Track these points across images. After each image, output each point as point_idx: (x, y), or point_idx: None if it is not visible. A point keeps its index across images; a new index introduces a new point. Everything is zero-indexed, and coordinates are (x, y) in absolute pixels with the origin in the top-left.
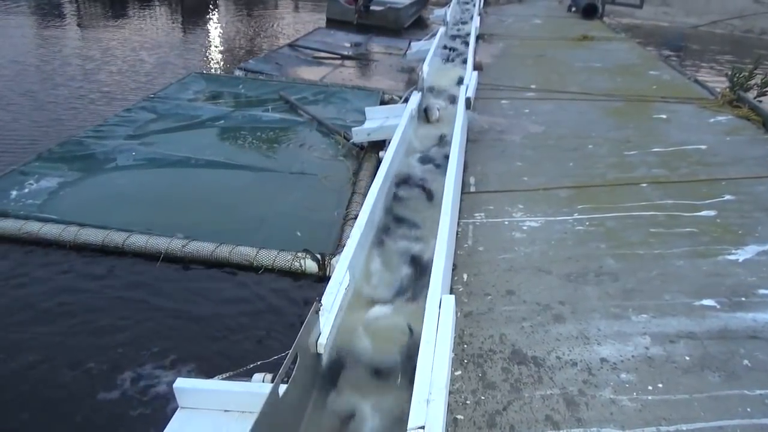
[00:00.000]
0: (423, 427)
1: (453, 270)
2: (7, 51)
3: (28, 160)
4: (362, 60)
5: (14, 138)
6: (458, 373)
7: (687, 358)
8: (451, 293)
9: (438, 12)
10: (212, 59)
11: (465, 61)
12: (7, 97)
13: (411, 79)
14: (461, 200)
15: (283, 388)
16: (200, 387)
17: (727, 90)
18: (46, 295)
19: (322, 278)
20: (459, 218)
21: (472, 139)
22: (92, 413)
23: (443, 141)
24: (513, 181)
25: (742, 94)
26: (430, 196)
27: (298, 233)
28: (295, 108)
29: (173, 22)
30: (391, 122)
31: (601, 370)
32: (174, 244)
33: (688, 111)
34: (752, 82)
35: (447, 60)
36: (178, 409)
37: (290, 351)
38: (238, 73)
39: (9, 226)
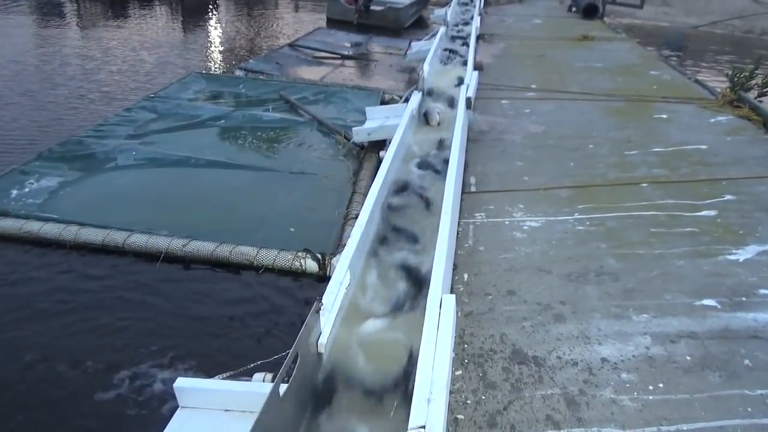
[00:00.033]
0: (424, 427)
1: (453, 270)
2: (7, 50)
3: (28, 159)
4: (362, 60)
5: (14, 138)
6: (459, 372)
7: (688, 357)
8: (451, 293)
9: (438, 12)
10: (212, 59)
11: (464, 63)
12: (6, 96)
13: (411, 79)
14: (462, 200)
15: (283, 388)
16: (201, 386)
17: (728, 90)
18: (46, 295)
19: (323, 278)
20: (459, 218)
21: (472, 139)
22: (92, 413)
23: (443, 145)
24: (513, 181)
25: (743, 95)
26: (429, 205)
27: (292, 229)
28: (295, 108)
29: (173, 22)
30: (391, 122)
31: (601, 369)
32: (174, 244)
33: (689, 111)
34: (753, 82)
35: (446, 61)
36: (179, 408)
37: (291, 350)
38: (238, 72)
39: (9, 225)
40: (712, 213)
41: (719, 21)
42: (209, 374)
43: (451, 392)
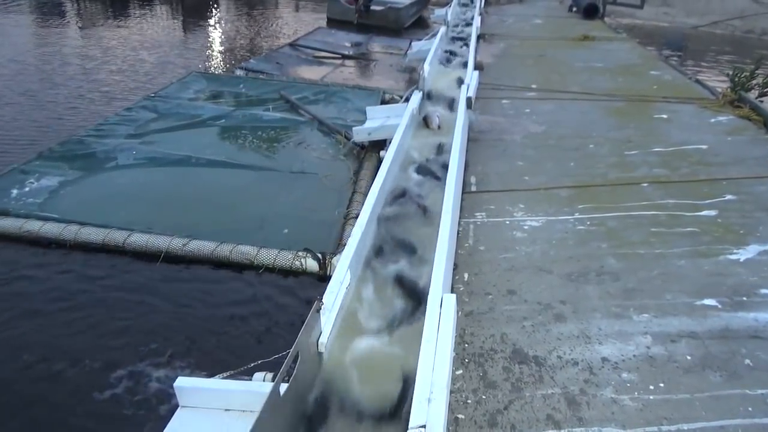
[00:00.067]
0: (424, 426)
1: (454, 269)
2: (7, 50)
3: (28, 159)
4: (363, 60)
5: (14, 137)
6: (459, 372)
7: (688, 357)
8: (452, 292)
9: (439, 12)
10: (213, 58)
11: (464, 65)
12: (6, 96)
13: (412, 78)
14: (462, 200)
15: (284, 387)
16: (201, 386)
17: (728, 90)
18: (46, 294)
19: (323, 277)
20: (460, 218)
21: (473, 139)
22: (92, 412)
23: (442, 149)
24: (514, 181)
25: (743, 95)
26: (426, 213)
27: (285, 230)
28: (295, 107)
29: (173, 22)
30: (391, 122)
31: (602, 369)
32: (174, 243)
33: (689, 111)
34: (753, 82)
35: (446, 63)
36: (179, 408)
37: (291, 350)
38: (238, 72)
39: (9, 224)
40: (713, 213)
41: (720, 21)
42: (209, 374)
43: (451, 392)
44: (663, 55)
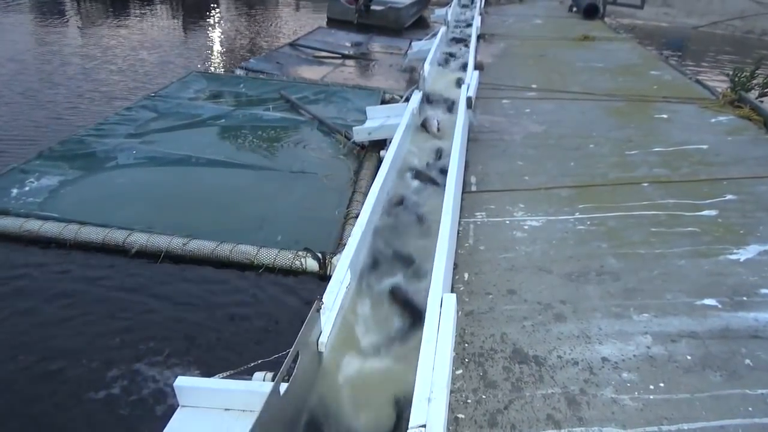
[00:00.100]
0: (424, 426)
1: (454, 269)
2: (6, 50)
3: (28, 158)
4: (363, 59)
5: (13, 137)
6: (459, 372)
7: (688, 357)
8: (452, 292)
9: (439, 12)
10: (213, 58)
11: (463, 66)
12: (6, 96)
13: (412, 78)
14: (462, 199)
15: (284, 387)
16: (201, 385)
17: (729, 90)
18: (45, 293)
19: (323, 277)
20: (460, 217)
21: (473, 139)
22: (91, 411)
23: (441, 154)
24: (514, 181)
25: (744, 95)
26: (424, 223)
27: (279, 238)
28: (295, 107)
29: (174, 21)
30: (392, 121)
31: (602, 369)
32: (174, 243)
33: (690, 111)
34: (754, 82)
35: (446, 65)
36: (179, 407)
37: (291, 349)
38: (238, 72)
39: (9, 224)
40: (713, 213)
41: (720, 21)
42: (209, 373)
43: (451, 391)
44: (663, 55)
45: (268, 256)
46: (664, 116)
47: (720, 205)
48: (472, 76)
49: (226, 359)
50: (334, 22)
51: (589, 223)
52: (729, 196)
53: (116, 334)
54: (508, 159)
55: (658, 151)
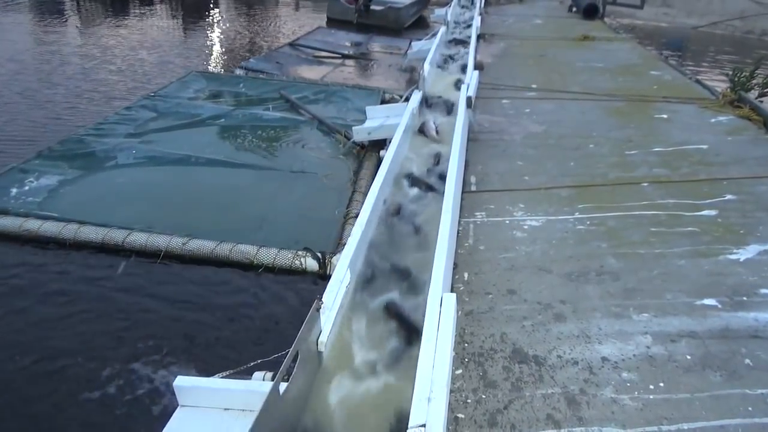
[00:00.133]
0: (424, 425)
1: (454, 269)
2: (5, 49)
3: (28, 157)
4: (363, 59)
5: (12, 137)
6: (459, 371)
7: (688, 357)
8: (451, 292)
9: (439, 12)
10: (212, 58)
11: (463, 68)
12: (5, 96)
13: (412, 78)
14: (462, 199)
15: (283, 387)
16: (200, 385)
17: (729, 90)
18: (45, 293)
19: (323, 276)
20: (460, 217)
21: (473, 139)
22: (90, 411)
23: (440, 159)
24: (514, 181)
25: (744, 95)
26: (420, 233)
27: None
28: (295, 107)
29: (173, 21)
30: (391, 121)
31: (602, 369)
32: (174, 242)
33: (690, 111)
34: (753, 82)
35: (445, 67)
36: (178, 407)
37: (291, 349)
38: (238, 71)
39: (9, 223)
40: (713, 213)
41: (720, 21)
42: (209, 373)
43: (451, 391)
44: (663, 56)
45: (267, 255)
46: (664, 116)
47: (720, 205)
48: (471, 76)
49: (226, 358)
50: (333, 22)
51: (588, 223)
52: (729, 196)
53: (115, 334)
54: (508, 159)
55: (658, 151)
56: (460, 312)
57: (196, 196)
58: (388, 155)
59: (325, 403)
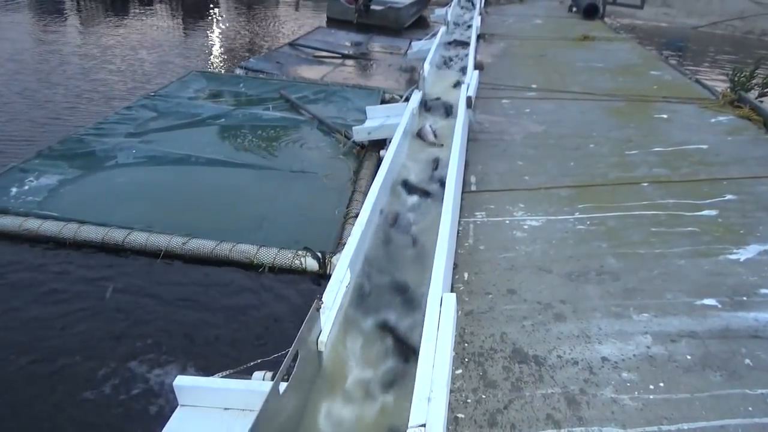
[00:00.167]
0: (424, 425)
1: (454, 269)
2: (5, 49)
3: (28, 157)
4: (363, 59)
5: (12, 137)
6: (459, 371)
7: (688, 357)
8: (452, 292)
9: (439, 12)
10: (212, 58)
11: (463, 70)
12: (4, 95)
13: (412, 78)
14: (462, 199)
15: (283, 386)
16: (200, 385)
17: (729, 90)
18: (45, 293)
19: (323, 276)
20: (460, 217)
21: (473, 139)
22: (90, 410)
23: (438, 164)
24: (514, 180)
25: (743, 95)
26: (417, 245)
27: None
28: (295, 107)
29: (173, 21)
30: (391, 121)
31: (602, 369)
32: (174, 242)
33: (690, 111)
34: (753, 82)
35: (444, 68)
36: (178, 406)
37: (291, 349)
38: (238, 71)
39: (9, 223)
40: (713, 213)
41: (720, 22)
42: (209, 372)
43: (451, 391)
44: (663, 56)
45: (267, 255)
46: (664, 116)
47: (720, 205)
48: (472, 76)
49: (226, 357)
50: (333, 22)
51: (588, 222)
52: (729, 196)
53: (114, 333)
54: (508, 159)
55: (658, 151)
56: (460, 312)
57: (196, 196)
58: (388, 155)
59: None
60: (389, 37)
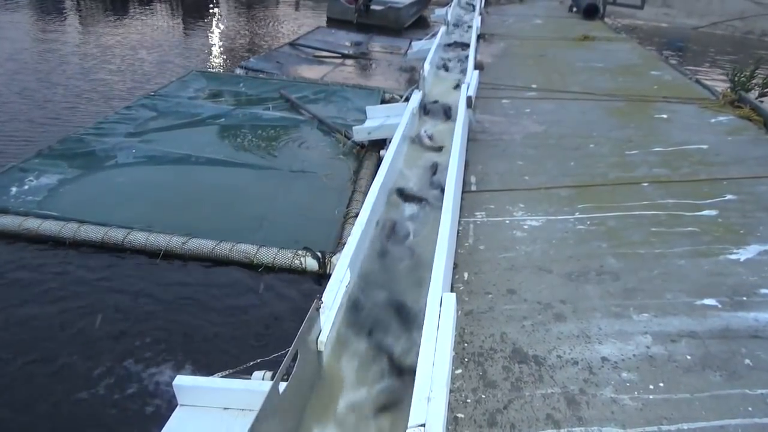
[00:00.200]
0: (423, 425)
1: (454, 269)
2: (4, 48)
3: (27, 156)
4: (363, 59)
5: (11, 136)
6: (459, 371)
7: (688, 357)
8: (451, 291)
9: (439, 12)
10: (212, 58)
11: (462, 72)
12: (4, 95)
13: (412, 78)
14: (462, 199)
15: (283, 386)
16: (200, 384)
17: (729, 90)
18: (44, 292)
19: (323, 276)
20: (460, 217)
21: (473, 139)
22: (89, 410)
23: (437, 169)
24: (514, 180)
25: (744, 95)
26: (414, 256)
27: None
28: (295, 106)
29: (173, 20)
30: (391, 121)
31: (602, 369)
32: (174, 242)
33: (690, 111)
34: (753, 82)
35: (444, 70)
36: (178, 406)
37: (290, 348)
38: (238, 71)
39: (8, 222)
40: (713, 213)
41: (720, 22)
42: (208, 372)
43: (451, 391)
44: (663, 56)
45: (267, 255)
46: (664, 116)
47: (720, 205)
48: (472, 76)
49: (225, 358)
50: (333, 22)
51: (588, 222)
52: (729, 196)
53: (115, 333)
54: (508, 159)
55: (658, 151)
56: (459, 312)
57: (196, 196)
58: (388, 155)
59: None
60: (389, 37)
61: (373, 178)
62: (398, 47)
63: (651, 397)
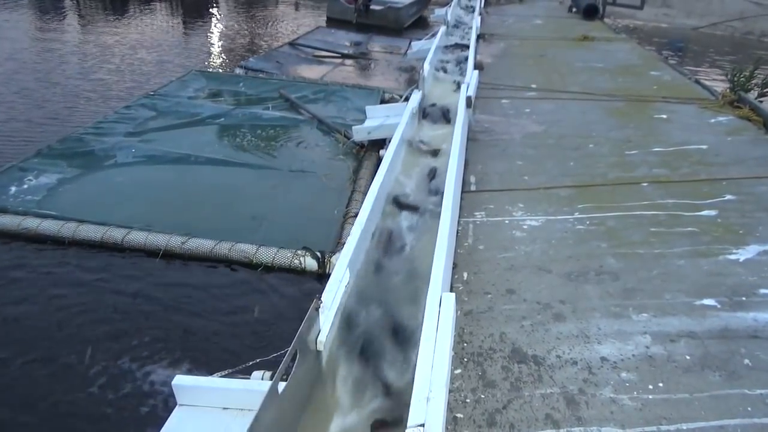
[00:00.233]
0: (423, 425)
1: (453, 268)
2: (4, 48)
3: (27, 156)
4: (362, 59)
5: (10, 136)
6: (458, 371)
7: (688, 357)
8: (451, 291)
9: (439, 12)
10: (212, 57)
11: (462, 72)
12: (3, 95)
13: (411, 78)
14: (462, 199)
15: (282, 386)
16: (199, 384)
17: (728, 90)
18: (44, 291)
19: (322, 276)
20: (459, 217)
21: (472, 138)
22: (89, 409)
23: (435, 174)
24: (513, 180)
25: (743, 95)
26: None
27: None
28: (295, 106)
29: (173, 20)
30: (391, 121)
31: (601, 369)
32: (173, 241)
33: (689, 111)
34: (753, 82)
35: (443, 72)
36: (177, 406)
37: (290, 348)
38: (238, 71)
39: (8, 221)
40: (713, 213)
41: (719, 22)
42: (208, 372)
43: (450, 391)
44: (663, 56)
45: (267, 254)
46: (664, 116)
47: (719, 205)
48: (471, 76)
49: (225, 358)
50: (333, 22)
51: (588, 222)
52: (728, 196)
53: (115, 332)
54: (507, 159)
55: (657, 151)
56: (459, 312)
57: (195, 195)
58: (388, 155)
59: None
60: (389, 37)
61: (373, 178)
62: (398, 47)
63: (650, 397)
